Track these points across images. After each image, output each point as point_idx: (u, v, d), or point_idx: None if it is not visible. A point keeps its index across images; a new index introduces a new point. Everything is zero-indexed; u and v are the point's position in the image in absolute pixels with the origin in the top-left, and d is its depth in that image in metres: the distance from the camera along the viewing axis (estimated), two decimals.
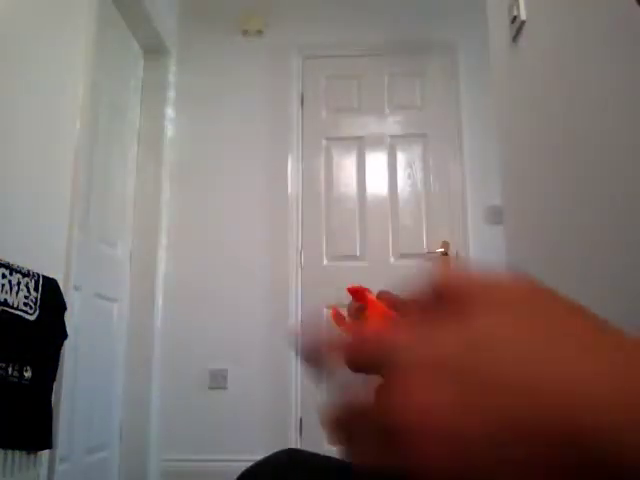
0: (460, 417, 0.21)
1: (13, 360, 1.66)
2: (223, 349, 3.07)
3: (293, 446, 2.77)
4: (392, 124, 3.39)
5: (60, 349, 1.92)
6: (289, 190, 3.28)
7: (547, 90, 1.49)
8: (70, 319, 2.01)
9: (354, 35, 3.43)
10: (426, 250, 3.18)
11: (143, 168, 3.13)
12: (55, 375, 1.87)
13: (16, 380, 1.67)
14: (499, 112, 1.93)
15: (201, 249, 3.20)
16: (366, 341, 0.30)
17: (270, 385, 3.03)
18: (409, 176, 3.32)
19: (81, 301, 2.39)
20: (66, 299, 1.98)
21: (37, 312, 1.77)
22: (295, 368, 3.06)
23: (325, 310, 3.02)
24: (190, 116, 3.38)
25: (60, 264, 2.06)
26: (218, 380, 3.04)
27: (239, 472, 0.58)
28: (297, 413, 3.02)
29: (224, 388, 3.04)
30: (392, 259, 3.20)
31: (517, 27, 1.65)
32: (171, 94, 3.32)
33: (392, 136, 3.37)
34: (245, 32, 3.46)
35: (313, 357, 0.33)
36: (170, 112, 3.30)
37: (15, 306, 1.67)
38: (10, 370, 1.64)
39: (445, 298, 0.26)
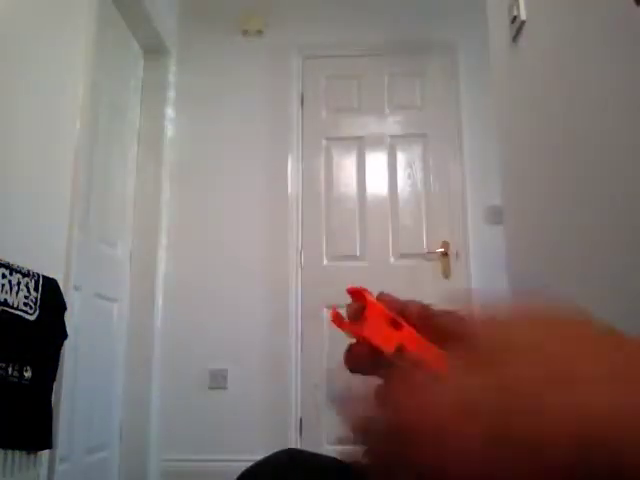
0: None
1: (13, 360, 1.66)
2: (223, 349, 3.07)
3: (293, 446, 2.77)
4: (392, 124, 3.39)
5: (60, 349, 1.92)
6: (289, 190, 3.28)
7: (547, 90, 1.49)
8: (70, 319, 2.01)
9: (354, 35, 3.43)
10: (426, 250, 3.18)
11: (143, 168, 3.13)
12: (55, 375, 1.87)
13: (16, 380, 1.67)
14: (499, 112, 1.93)
15: (201, 249, 3.20)
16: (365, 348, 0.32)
17: (270, 385, 3.03)
18: (409, 176, 3.32)
19: (81, 301, 2.39)
20: (66, 299, 1.97)
21: (37, 312, 1.77)
22: (295, 368, 3.07)
23: (325, 310, 3.02)
24: (190, 116, 3.38)
25: (60, 264, 2.06)
26: (218, 380, 3.04)
27: (239, 472, 0.58)
28: (297, 413, 3.02)
29: (224, 388, 3.04)
30: (392, 259, 3.20)
31: (517, 27, 1.65)
32: (171, 94, 3.32)
33: (392, 136, 3.37)
34: (245, 32, 3.46)
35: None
36: (170, 112, 3.30)
37: (15, 306, 1.67)
38: (10, 370, 1.64)
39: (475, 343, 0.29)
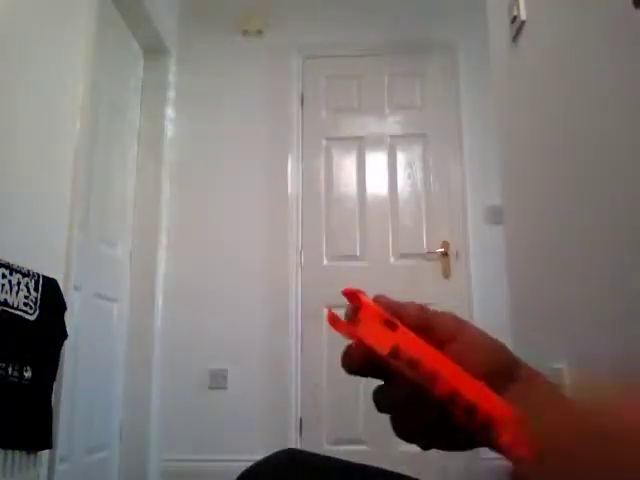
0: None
1: (13, 360, 1.66)
2: (223, 349, 3.07)
3: (293, 446, 2.77)
4: (392, 124, 3.39)
5: (60, 349, 1.92)
6: (289, 190, 3.28)
7: (547, 90, 1.49)
8: (70, 319, 2.01)
9: (354, 35, 3.43)
10: (426, 250, 3.18)
11: (143, 168, 3.13)
12: (55, 375, 1.87)
13: (16, 380, 1.67)
14: (499, 112, 1.93)
15: (201, 249, 3.20)
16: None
17: (270, 385, 3.03)
18: (409, 176, 3.32)
19: (81, 301, 2.39)
20: (66, 299, 1.97)
21: (37, 312, 1.77)
22: (295, 368, 3.07)
23: (325, 310, 3.02)
24: (190, 116, 3.38)
25: (60, 264, 2.06)
26: (218, 380, 3.04)
27: (239, 472, 0.58)
28: (297, 413, 3.02)
29: (224, 388, 3.04)
30: (392, 259, 3.20)
31: (517, 27, 1.65)
32: (171, 94, 3.32)
33: (392, 136, 3.37)
34: (245, 32, 3.46)
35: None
36: (170, 112, 3.30)
37: (15, 306, 1.67)
38: (10, 370, 1.64)
39: None
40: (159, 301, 3.06)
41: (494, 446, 0.35)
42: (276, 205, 3.25)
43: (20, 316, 1.70)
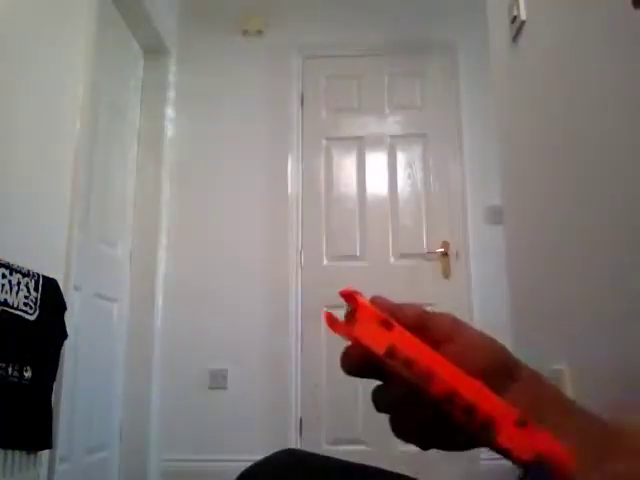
0: None
1: (13, 360, 1.66)
2: (223, 349, 3.07)
3: (293, 446, 2.77)
4: (392, 124, 3.39)
5: (60, 349, 1.92)
6: (289, 190, 3.28)
7: (547, 90, 1.49)
8: (70, 319, 2.01)
9: (354, 35, 3.43)
10: (426, 250, 3.18)
11: (143, 168, 3.13)
12: (55, 375, 1.87)
13: (16, 380, 1.67)
14: (499, 112, 1.93)
15: (201, 249, 3.20)
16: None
17: (270, 385, 3.03)
18: (409, 176, 3.32)
19: (81, 301, 2.39)
20: (66, 299, 1.97)
21: (37, 312, 1.77)
22: (295, 368, 3.07)
23: (325, 310, 3.02)
24: (190, 116, 3.38)
25: (60, 264, 2.06)
26: (218, 380, 3.04)
27: (239, 472, 0.58)
28: (297, 413, 3.02)
29: (224, 388, 3.04)
30: (392, 259, 3.20)
31: (517, 27, 1.65)
32: (171, 94, 3.32)
33: (392, 136, 3.37)
34: (245, 32, 3.46)
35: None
36: (170, 112, 3.30)
37: (15, 306, 1.67)
38: (10, 370, 1.64)
39: None
40: (159, 301, 3.06)
41: (494, 446, 0.35)
42: (276, 205, 3.25)
43: (20, 316, 1.70)
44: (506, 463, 0.35)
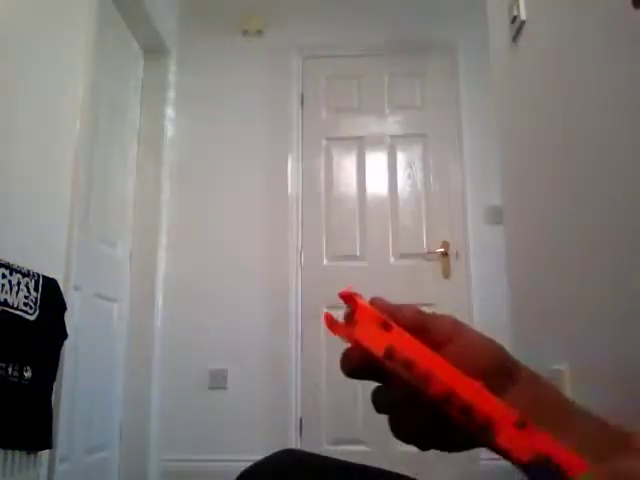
0: None
1: (13, 360, 1.66)
2: (223, 349, 3.07)
3: (293, 446, 2.77)
4: (392, 124, 3.39)
5: (60, 349, 1.92)
6: (289, 190, 3.28)
7: (547, 90, 1.49)
8: (70, 319, 2.01)
9: (354, 35, 3.43)
10: (426, 250, 3.18)
11: (143, 168, 3.13)
12: (55, 375, 1.87)
13: (16, 380, 1.67)
14: (499, 112, 1.93)
15: (201, 249, 3.20)
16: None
17: (270, 385, 3.03)
18: (409, 176, 3.32)
19: (81, 301, 2.39)
20: (66, 299, 1.97)
21: (37, 312, 1.77)
22: (295, 368, 3.07)
23: (325, 310, 3.02)
24: (190, 116, 3.38)
25: (60, 264, 2.06)
26: (218, 380, 3.04)
27: (239, 472, 0.57)
28: (297, 413, 3.02)
29: (224, 388, 3.04)
30: (392, 259, 3.20)
31: (517, 27, 1.65)
32: (171, 94, 3.32)
33: (392, 136, 3.37)
34: (245, 32, 3.46)
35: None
36: (170, 112, 3.30)
37: (15, 306, 1.67)
38: (10, 370, 1.64)
39: None
40: (159, 301, 3.06)
41: (493, 447, 0.35)
42: (276, 205, 3.25)
43: (20, 316, 1.70)
44: (506, 463, 0.35)
